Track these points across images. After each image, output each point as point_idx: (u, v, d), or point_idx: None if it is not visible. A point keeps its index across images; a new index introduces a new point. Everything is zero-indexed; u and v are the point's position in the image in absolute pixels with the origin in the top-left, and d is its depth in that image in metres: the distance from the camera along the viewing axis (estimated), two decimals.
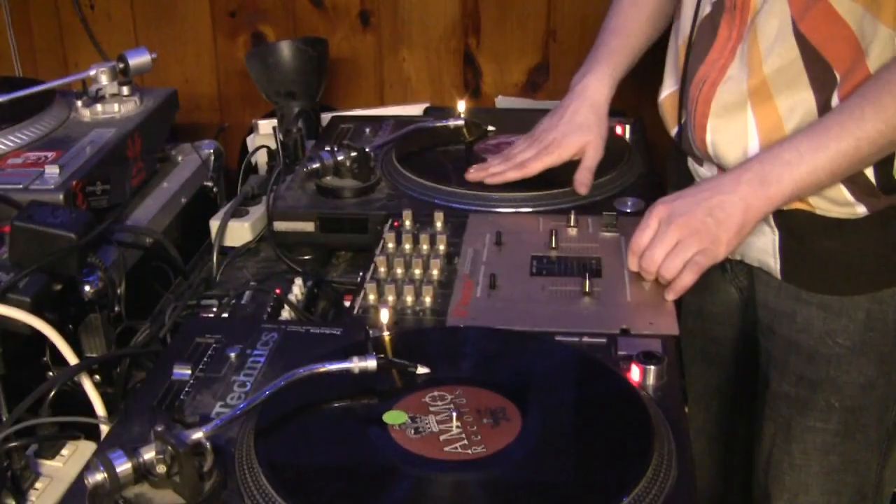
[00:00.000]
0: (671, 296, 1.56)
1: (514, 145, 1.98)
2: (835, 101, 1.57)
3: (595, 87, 1.91)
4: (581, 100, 1.92)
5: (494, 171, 1.92)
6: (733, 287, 1.90)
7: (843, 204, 1.63)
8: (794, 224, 1.66)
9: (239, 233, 1.97)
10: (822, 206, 1.64)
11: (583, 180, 1.88)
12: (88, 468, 1.16)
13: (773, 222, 1.68)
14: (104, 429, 1.43)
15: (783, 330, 1.77)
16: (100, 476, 1.15)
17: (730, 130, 1.66)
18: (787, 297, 1.75)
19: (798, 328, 1.75)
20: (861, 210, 1.63)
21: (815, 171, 1.54)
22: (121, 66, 2.05)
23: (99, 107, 2.03)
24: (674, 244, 1.57)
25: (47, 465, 1.39)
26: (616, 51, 1.93)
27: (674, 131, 1.82)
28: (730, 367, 2.03)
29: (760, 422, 1.88)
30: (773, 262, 1.72)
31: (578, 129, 1.90)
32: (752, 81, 1.62)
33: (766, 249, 1.72)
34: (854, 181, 1.60)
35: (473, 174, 1.93)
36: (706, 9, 1.71)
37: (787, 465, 1.83)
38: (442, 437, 1.24)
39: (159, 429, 1.16)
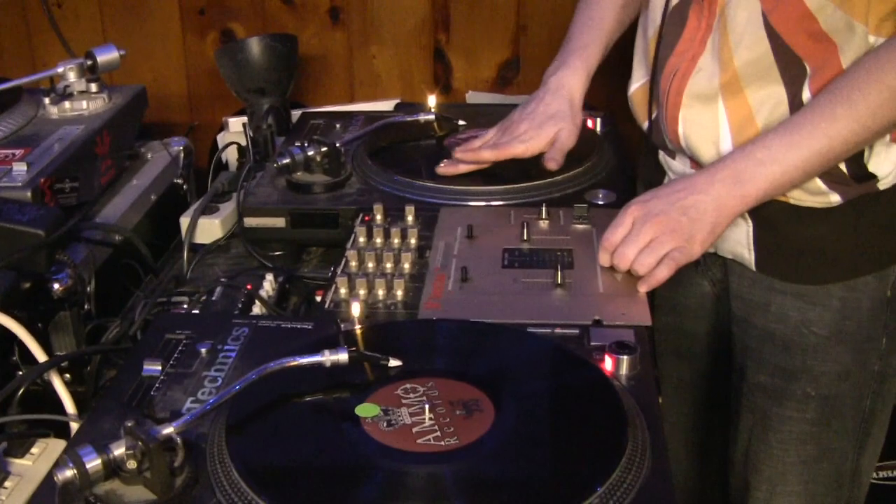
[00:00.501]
0: (644, 288, 1.56)
1: (484, 136, 1.97)
2: (805, 94, 1.57)
3: (569, 82, 1.92)
4: (555, 93, 1.92)
5: (464, 157, 1.91)
6: (706, 280, 1.91)
7: (816, 193, 1.63)
8: (767, 214, 1.66)
9: (209, 229, 1.97)
10: (795, 195, 1.64)
11: (554, 156, 1.88)
12: (58, 465, 1.14)
13: (746, 213, 1.68)
14: (74, 426, 1.42)
15: (758, 321, 1.77)
16: (69, 472, 1.13)
17: (701, 122, 1.66)
18: (761, 288, 1.75)
19: (773, 318, 1.75)
20: (834, 198, 1.63)
21: (787, 170, 1.55)
22: (89, 62, 2.03)
23: (67, 104, 2.01)
24: (647, 242, 1.57)
25: (17, 463, 1.37)
26: (589, 43, 1.93)
27: (645, 125, 1.82)
28: (704, 361, 2.03)
29: (737, 414, 1.88)
30: (748, 253, 1.73)
31: (552, 118, 1.90)
32: (724, 74, 1.62)
33: (739, 241, 1.72)
34: (826, 171, 1.60)
35: (444, 168, 1.92)
36: None
37: (766, 455, 1.83)
38: (415, 430, 1.23)
39: (129, 424, 1.15)
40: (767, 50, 1.58)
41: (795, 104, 1.58)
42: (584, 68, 1.93)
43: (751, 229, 1.70)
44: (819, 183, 1.62)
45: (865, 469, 1.89)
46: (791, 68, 1.57)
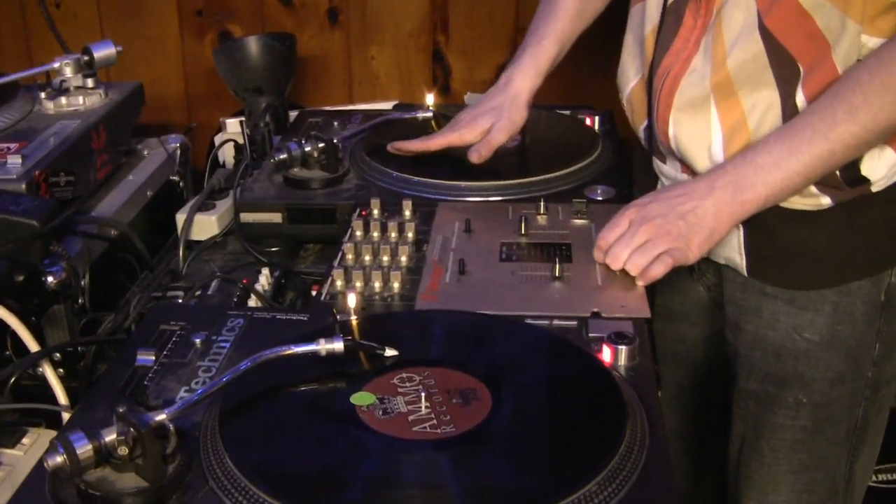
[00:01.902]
0: (641, 282, 1.55)
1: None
2: (799, 96, 1.55)
3: (517, 79, 1.95)
4: (502, 88, 1.96)
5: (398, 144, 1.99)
6: (701, 286, 1.89)
7: (806, 195, 1.61)
8: (758, 218, 1.64)
9: (206, 226, 1.95)
10: None
11: (479, 148, 1.92)
12: (48, 451, 1.13)
13: None
14: (66, 417, 1.41)
15: (749, 326, 1.76)
16: (60, 458, 1.12)
17: (693, 125, 1.64)
18: (753, 293, 1.74)
19: (764, 324, 1.73)
20: (826, 201, 1.62)
21: (788, 176, 1.53)
22: (85, 58, 2.02)
23: (63, 99, 2.00)
24: (641, 243, 1.56)
25: (7, 453, 1.36)
26: (544, 38, 1.95)
27: (641, 128, 1.80)
28: (701, 367, 2.01)
29: (730, 421, 1.86)
30: (739, 258, 1.71)
31: (489, 111, 1.94)
32: (716, 76, 1.60)
33: (732, 245, 1.70)
34: None
35: (394, 146, 2.01)
36: None
37: (757, 463, 1.81)
38: (411, 418, 1.22)
39: (121, 410, 1.14)
40: (761, 51, 1.56)
41: (788, 107, 1.56)
42: (533, 66, 1.95)
43: (742, 234, 1.68)
44: (811, 186, 1.60)
45: (860, 477, 1.87)
46: (784, 69, 1.56)
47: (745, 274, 1.72)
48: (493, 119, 1.92)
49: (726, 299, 1.79)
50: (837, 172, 1.58)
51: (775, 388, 1.75)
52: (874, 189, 1.61)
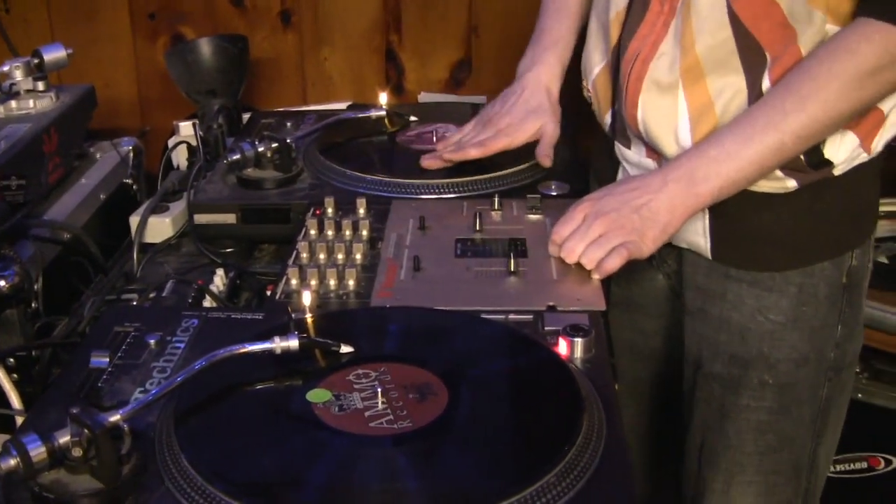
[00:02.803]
0: (597, 276, 1.56)
1: (462, 130, 1.99)
2: (765, 83, 1.57)
3: (545, 78, 1.93)
4: (533, 87, 1.93)
5: (450, 152, 1.92)
6: (661, 274, 1.90)
7: (772, 178, 1.63)
8: (723, 202, 1.65)
9: (160, 228, 1.94)
10: None
11: (546, 152, 1.89)
12: (1, 454, 1.12)
13: None
14: (20, 421, 1.39)
15: (714, 309, 1.77)
16: (13, 461, 1.11)
17: (661, 109, 1.65)
18: (717, 277, 1.75)
19: (729, 306, 1.74)
20: (791, 184, 1.63)
21: (742, 166, 1.55)
22: (35, 61, 2.01)
23: (13, 103, 1.98)
24: (596, 238, 1.56)
25: None
26: (561, 37, 1.95)
27: (608, 113, 1.81)
28: (659, 359, 2.02)
29: (691, 407, 1.87)
30: (703, 242, 1.72)
31: (534, 112, 1.91)
32: (685, 60, 1.61)
33: (696, 229, 1.71)
34: None
35: (429, 161, 1.93)
36: None
37: (722, 446, 1.82)
38: (367, 413, 1.22)
39: (75, 411, 1.13)
40: (729, 36, 1.57)
41: (755, 93, 1.57)
42: (558, 64, 1.94)
43: (707, 218, 1.69)
44: (776, 170, 1.62)
45: (823, 459, 1.88)
46: (751, 56, 1.57)
47: (709, 257, 1.73)
48: (540, 121, 1.90)
49: (687, 284, 1.80)
50: (802, 156, 1.59)
51: (740, 370, 1.76)
52: (836, 172, 1.63)
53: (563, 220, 1.61)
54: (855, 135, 1.61)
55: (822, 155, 1.61)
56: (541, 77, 1.93)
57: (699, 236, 1.72)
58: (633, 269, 1.79)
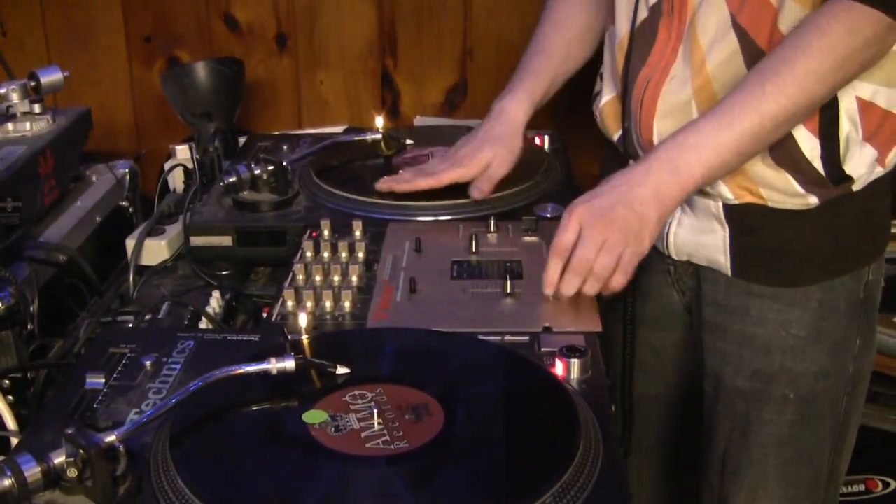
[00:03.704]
0: (606, 293, 1.57)
1: (429, 161, 1.99)
2: None
3: (512, 108, 1.92)
4: (497, 118, 1.93)
5: (404, 179, 1.93)
6: (675, 290, 1.90)
7: (794, 195, 1.64)
8: (744, 217, 1.67)
9: (156, 251, 1.94)
10: (774, 197, 1.65)
11: (480, 186, 1.89)
12: None
13: (723, 218, 1.70)
14: (15, 442, 1.39)
15: (735, 325, 1.77)
16: (7, 482, 1.11)
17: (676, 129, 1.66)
18: (737, 293, 1.76)
19: (752, 322, 1.75)
20: (812, 200, 1.65)
21: (721, 153, 1.55)
22: (32, 83, 2.01)
23: (10, 125, 1.99)
24: (601, 243, 1.56)
25: None
26: (536, 72, 1.94)
27: (616, 136, 1.82)
28: (671, 376, 2.01)
29: (712, 421, 1.87)
30: (724, 259, 1.73)
31: (489, 142, 1.91)
32: (696, 80, 1.63)
33: (716, 247, 1.73)
34: (803, 173, 1.62)
35: (383, 183, 1.93)
36: (643, 13, 1.71)
37: (746, 460, 1.83)
38: (363, 434, 1.22)
39: (69, 431, 1.13)
40: (737, 50, 1.59)
41: None
42: (528, 96, 1.93)
43: (727, 235, 1.71)
44: (796, 185, 1.63)
45: (841, 471, 1.90)
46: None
47: (730, 274, 1.74)
48: (493, 150, 1.89)
49: (706, 301, 1.81)
50: (822, 171, 1.61)
51: (763, 385, 1.77)
52: (855, 188, 1.65)
53: (561, 228, 1.58)
54: (873, 147, 1.63)
55: (843, 170, 1.62)
56: (506, 106, 1.93)
57: (719, 254, 1.73)
58: (648, 285, 1.81)
